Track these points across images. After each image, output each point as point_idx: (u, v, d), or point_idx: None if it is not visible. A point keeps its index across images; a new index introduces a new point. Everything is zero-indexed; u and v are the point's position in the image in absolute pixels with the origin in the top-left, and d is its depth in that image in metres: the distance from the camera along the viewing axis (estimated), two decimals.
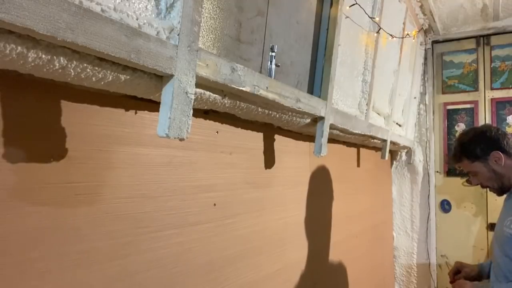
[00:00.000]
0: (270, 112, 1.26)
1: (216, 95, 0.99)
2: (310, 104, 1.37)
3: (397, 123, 2.77)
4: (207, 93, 0.95)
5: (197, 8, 0.82)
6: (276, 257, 1.50)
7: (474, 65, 3.08)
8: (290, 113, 1.35)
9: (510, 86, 2.94)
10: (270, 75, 1.26)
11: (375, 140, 2.27)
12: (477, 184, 1.53)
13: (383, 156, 2.41)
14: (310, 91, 1.58)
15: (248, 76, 1.01)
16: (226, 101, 1.04)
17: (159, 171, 0.99)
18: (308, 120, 1.46)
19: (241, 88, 0.99)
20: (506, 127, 2.94)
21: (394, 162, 3.26)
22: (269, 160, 1.47)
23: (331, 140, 1.85)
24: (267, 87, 1.10)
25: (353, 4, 1.65)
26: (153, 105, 0.93)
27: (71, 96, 0.79)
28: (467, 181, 1.62)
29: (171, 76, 0.78)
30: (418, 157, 3.19)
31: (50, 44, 0.60)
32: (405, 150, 3.19)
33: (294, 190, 1.65)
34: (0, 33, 0.54)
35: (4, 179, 0.68)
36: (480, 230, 2.96)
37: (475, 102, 3.05)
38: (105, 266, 0.84)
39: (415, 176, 3.19)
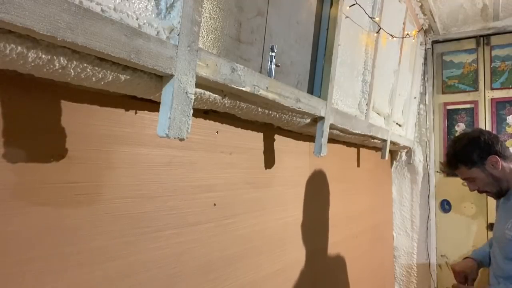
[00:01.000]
0: (270, 112, 1.26)
1: (216, 95, 0.99)
2: (310, 104, 1.37)
3: (397, 123, 2.77)
4: (207, 93, 0.95)
5: (197, 8, 0.82)
6: (276, 257, 1.50)
7: (474, 65, 3.08)
8: (290, 113, 1.35)
9: (510, 86, 2.94)
10: (270, 75, 1.26)
11: (375, 140, 2.27)
12: (474, 190, 1.52)
13: (383, 156, 2.41)
14: (310, 91, 1.58)
15: (248, 76, 1.01)
16: (226, 101, 1.04)
17: (159, 171, 0.99)
18: (308, 120, 1.46)
19: (241, 88, 0.99)
20: (506, 127, 2.95)
21: (394, 162, 3.26)
22: (269, 160, 1.47)
23: (331, 140, 1.85)
24: (267, 87, 1.10)
25: (353, 4, 1.65)
26: (153, 105, 0.93)
27: (71, 96, 0.79)
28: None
29: (171, 76, 0.78)
30: (418, 157, 3.19)
31: (50, 44, 0.60)
32: (405, 150, 3.19)
33: (294, 190, 1.65)
34: (0, 33, 0.54)
35: (4, 179, 0.68)
36: (480, 230, 2.95)
37: (475, 102, 3.05)
38: (105, 266, 0.84)
39: (415, 176, 3.19)
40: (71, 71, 0.66)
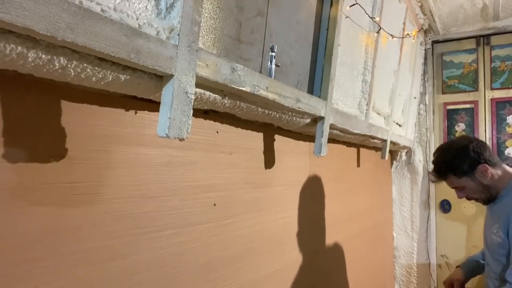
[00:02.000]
0: (270, 112, 1.26)
1: (216, 95, 0.99)
2: (310, 104, 1.37)
3: (397, 123, 2.77)
4: (207, 93, 0.95)
5: (197, 8, 0.82)
6: (276, 257, 1.50)
7: (474, 65, 3.08)
8: (290, 113, 1.35)
9: (510, 86, 2.94)
10: (270, 75, 1.26)
11: (375, 140, 2.27)
12: (462, 198, 1.53)
13: (383, 156, 2.41)
14: (310, 91, 1.58)
15: (248, 76, 1.01)
16: (226, 101, 1.04)
17: (159, 171, 0.99)
18: (308, 120, 1.46)
19: (241, 88, 0.99)
20: (506, 127, 2.95)
21: (394, 162, 3.26)
22: (269, 160, 1.47)
23: (331, 140, 1.85)
24: (267, 87, 1.10)
25: (353, 4, 1.65)
26: (153, 105, 0.93)
27: (71, 96, 0.79)
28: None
29: (171, 76, 0.78)
30: (418, 157, 3.19)
31: (50, 44, 0.60)
32: (405, 150, 3.19)
33: (294, 190, 1.65)
34: (0, 33, 0.54)
35: (5, 179, 0.68)
36: (480, 230, 2.94)
37: (475, 102, 3.05)
38: (105, 266, 0.84)
39: (415, 176, 3.19)
40: (71, 71, 0.66)
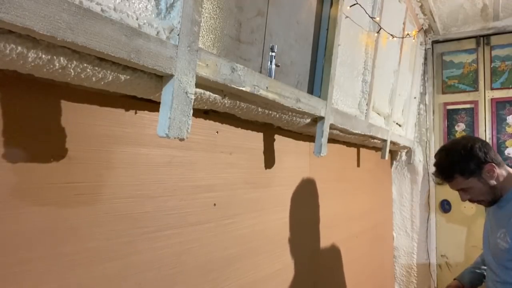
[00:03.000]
0: (270, 112, 1.26)
1: (216, 95, 0.99)
2: (310, 104, 1.37)
3: (397, 123, 2.77)
4: (207, 93, 0.95)
5: (197, 8, 0.82)
6: (276, 257, 1.50)
7: (474, 65, 3.08)
8: (290, 113, 1.35)
9: (510, 86, 2.94)
10: (270, 75, 1.26)
11: (375, 140, 2.27)
12: (466, 200, 1.50)
13: (383, 156, 2.41)
14: (310, 91, 1.58)
15: (248, 76, 1.01)
16: (226, 101, 1.04)
17: (159, 171, 0.99)
18: (308, 120, 1.46)
19: (241, 88, 0.99)
20: (506, 127, 2.95)
21: (394, 162, 3.26)
22: (269, 160, 1.47)
23: (331, 140, 1.85)
24: (267, 87, 1.10)
25: (354, 4, 1.65)
26: (153, 105, 0.93)
27: (71, 96, 0.79)
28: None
29: (171, 76, 0.78)
30: (418, 157, 3.19)
31: (50, 44, 0.60)
32: (405, 150, 3.19)
33: (294, 190, 1.65)
34: (0, 33, 0.54)
35: (4, 179, 0.68)
36: (480, 230, 2.93)
37: (475, 102, 3.05)
38: (105, 266, 0.84)
39: (415, 176, 3.19)
40: (71, 71, 0.66)
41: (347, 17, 1.66)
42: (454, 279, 1.72)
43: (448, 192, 3.10)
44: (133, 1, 0.74)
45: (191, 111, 0.82)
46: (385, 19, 2.07)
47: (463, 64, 3.12)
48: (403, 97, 2.83)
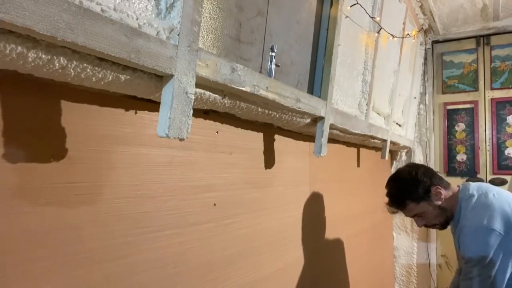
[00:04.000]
0: (270, 112, 1.26)
1: (216, 95, 0.99)
2: (310, 104, 1.37)
3: (397, 123, 2.77)
4: (207, 93, 0.95)
5: (197, 8, 0.82)
6: (276, 257, 1.50)
7: (474, 65, 3.08)
8: (290, 113, 1.35)
9: (510, 86, 2.94)
10: (270, 75, 1.26)
11: (375, 140, 2.27)
12: (422, 225, 1.57)
13: (383, 156, 2.41)
14: (310, 91, 1.58)
15: (248, 76, 1.01)
16: (226, 101, 1.04)
17: (159, 171, 0.99)
18: (308, 120, 1.46)
19: (241, 88, 0.99)
20: (506, 127, 2.95)
21: (394, 162, 3.26)
22: (269, 160, 1.47)
23: (331, 140, 1.85)
24: (267, 87, 1.10)
25: (354, 4, 1.65)
26: (153, 105, 0.93)
27: (71, 96, 0.79)
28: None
29: (171, 76, 0.78)
30: (418, 157, 3.19)
31: (50, 44, 0.60)
32: (405, 150, 3.19)
33: (294, 190, 1.65)
34: (0, 33, 0.54)
35: (4, 179, 0.68)
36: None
37: (475, 102, 3.05)
38: (105, 266, 0.84)
39: None
40: (71, 71, 0.66)
41: (347, 17, 1.66)
42: None
43: None
44: (133, 1, 0.74)
45: (191, 111, 0.82)
46: (385, 19, 2.07)
47: (463, 64, 3.12)
48: (403, 97, 2.83)
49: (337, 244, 2.04)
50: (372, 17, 1.93)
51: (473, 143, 3.04)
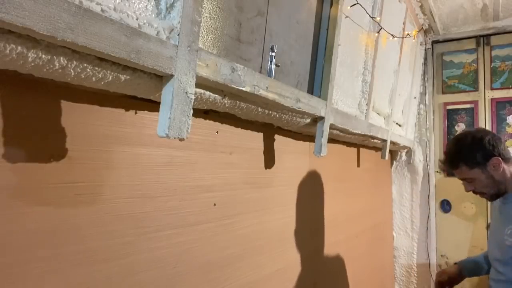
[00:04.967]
0: (270, 112, 1.26)
1: (216, 95, 0.99)
2: (310, 104, 1.37)
3: (397, 123, 2.77)
4: (207, 93, 0.95)
5: (197, 8, 0.82)
6: (276, 257, 1.50)
7: (474, 65, 3.08)
8: (290, 113, 1.35)
9: (510, 86, 2.94)
10: (270, 75, 1.26)
11: (375, 140, 2.27)
12: (470, 191, 1.50)
13: (383, 156, 2.41)
14: (310, 91, 1.58)
15: (248, 76, 1.01)
16: (226, 101, 1.04)
17: (159, 171, 0.99)
18: (308, 120, 1.46)
19: (241, 88, 0.99)
20: (506, 127, 2.95)
21: (394, 162, 3.26)
22: (269, 160, 1.47)
23: (331, 140, 1.85)
24: (267, 87, 1.10)
25: (354, 4, 1.65)
26: (153, 105, 0.93)
27: (71, 96, 0.79)
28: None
29: (171, 76, 0.78)
30: (418, 157, 3.19)
31: (50, 44, 0.60)
32: (405, 150, 3.19)
33: (294, 190, 1.65)
34: (0, 33, 0.54)
35: (4, 179, 0.68)
36: (480, 230, 2.95)
37: (475, 102, 3.05)
38: (105, 266, 0.84)
39: (415, 176, 3.19)
40: (71, 71, 0.66)
41: (347, 17, 1.66)
42: (455, 263, 1.71)
43: (448, 192, 3.10)
44: (133, 1, 0.74)
45: (191, 111, 0.82)
46: (385, 19, 2.07)
47: (463, 64, 3.12)
48: (403, 97, 2.83)
49: (337, 244, 2.04)
50: (372, 17, 1.93)
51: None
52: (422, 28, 2.98)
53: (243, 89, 1.00)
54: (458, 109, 3.12)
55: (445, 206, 3.10)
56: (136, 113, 0.93)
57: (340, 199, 2.09)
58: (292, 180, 1.64)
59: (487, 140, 1.42)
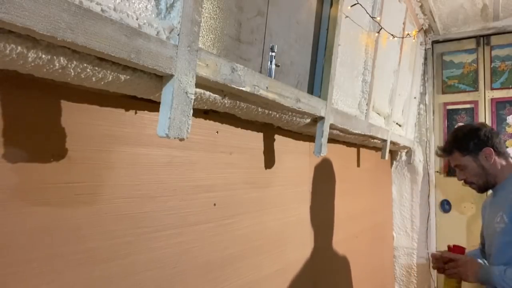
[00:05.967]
0: (270, 112, 1.26)
1: (216, 95, 0.99)
2: (310, 104, 1.37)
3: (397, 123, 2.77)
4: (207, 93, 0.95)
5: (197, 8, 0.82)
6: (276, 257, 1.50)
7: (474, 65, 3.08)
8: (290, 113, 1.35)
9: (510, 86, 2.94)
10: (270, 75, 1.26)
11: (375, 140, 2.27)
12: (462, 179, 1.56)
13: (383, 156, 2.41)
14: (310, 91, 1.58)
15: (248, 76, 1.01)
16: (226, 101, 1.04)
17: (159, 171, 0.99)
18: (308, 120, 1.46)
19: (241, 88, 0.99)
20: (506, 127, 2.95)
21: (394, 162, 3.26)
22: (269, 160, 1.47)
23: (331, 140, 1.85)
24: (267, 87, 1.10)
25: (355, 4, 1.65)
26: (153, 105, 0.93)
27: (71, 96, 0.79)
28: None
29: (171, 76, 0.78)
30: (418, 157, 3.19)
31: (50, 44, 0.60)
32: (405, 150, 3.19)
33: (294, 190, 1.65)
34: (0, 33, 0.54)
35: (4, 179, 0.68)
36: (480, 230, 2.95)
37: (475, 102, 3.05)
38: (105, 266, 0.84)
39: (415, 176, 3.19)
40: (71, 71, 0.66)
41: (347, 17, 1.66)
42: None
43: (448, 192, 3.10)
44: (133, 1, 0.74)
45: (191, 111, 0.82)
46: (385, 19, 2.07)
47: (463, 64, 3.12)
48: (403, 97, 2.83)
49: (337, 244, 2.04)
50: (372, 17, 1.93)
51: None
52: (422, 28, 2.98)
53: (243, 89, 1.00)
54: (458, 109, 3.12)
55: (445, 206, 3.10)
56: (136, 113, 0.93)
57: (340, 199, 2.09)
58: (292, 180, 1.64)
59: (483, 132, 1.50)
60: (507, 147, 2.91)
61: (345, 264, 2.15)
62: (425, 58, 3.22)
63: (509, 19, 2.92)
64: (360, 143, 2.30)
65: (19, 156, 0.71)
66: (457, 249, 1.55)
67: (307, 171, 1.76)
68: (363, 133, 1.96)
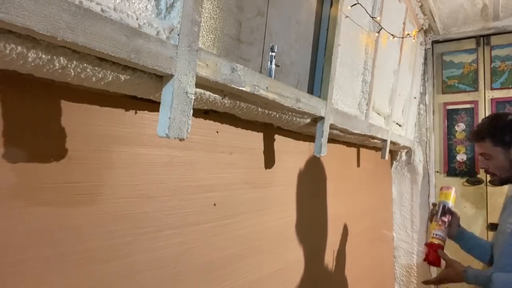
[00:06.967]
0: (270, 112, 1.26)
1: (216, 95, 0.99)
2: (310, 104, 1.37)
3: (397, 123, 2.77)
4: (207, 93, 0.95)
5: (197, 8, 0.82)
6: (276, 257, 1.50)
7: (474, 65, 3.08)
8: (290, 113, 1.35)
9: (510, 86, 2.94)
10: (270, 75, 1.26)
11: (375, 140, 2.27)
12: (483, 168, 1.52)
13: (383, 156, 2.41)
14: (310, 91, 1.58)
15: (248, 76, 1.01)
16: (226, 101, 1.04)
17: (159, 171, 0.99)
18: (308, 120, 1.46)
19: (241, 88, 0.99)
20: None
21: (394, 162, 3.26)
22: (269, 160, 1.47)
23: (331, 140, 1.85)
24: (267, 87, 1.10)
25: (354, 4, 1.65)
26: (153, 105, 0.93)
27: (71, 96, 0.79)
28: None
29: (171, 76, 0.78)
30: (418, 157, 3.19)
31: (50, 44, 0.60)
32: (405, 150, 3.19)
33: (294, 190, 1.65)
34: (0, 33, 0.54)
35: (4, 179, 0.68)
36: (480, 230, 2.95)
37: (475, 102, 3.05)
38: (105, 266, 0.84)
39: (415, 176, 3.19)
40: (71, 71, 0.66)
41: (347, 17, 1.66)
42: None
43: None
44: (133, 1, 0.74)
45: (191, 111, 0.82)
46: (385, 19, 2.07)
47: (463, 64, 3.12)
48: (403, 97, 2.83)
49: (337, 244, 2.04)
50: (372, 17, 1.93)
51: (473, 143, 3.04)
52: (422, 28, 2.98)
53: (243, 89, 1.00)
54: (458, 109, 3.12)
55: None
56: (136, 113, 0.93)
57: (340, 199, 2.09)
58: (292, 180, 1.64)
59: None
60: None
61: (345, 264, 2.14)
62: (425, 58, 3.22)
63: (509, 19, 2.92)
64: (360, 143, 2.30)
65: (19, 156, 0.71)
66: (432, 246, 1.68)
67: (307, 171, 1.76)
68: (363, 133, 1.95)
